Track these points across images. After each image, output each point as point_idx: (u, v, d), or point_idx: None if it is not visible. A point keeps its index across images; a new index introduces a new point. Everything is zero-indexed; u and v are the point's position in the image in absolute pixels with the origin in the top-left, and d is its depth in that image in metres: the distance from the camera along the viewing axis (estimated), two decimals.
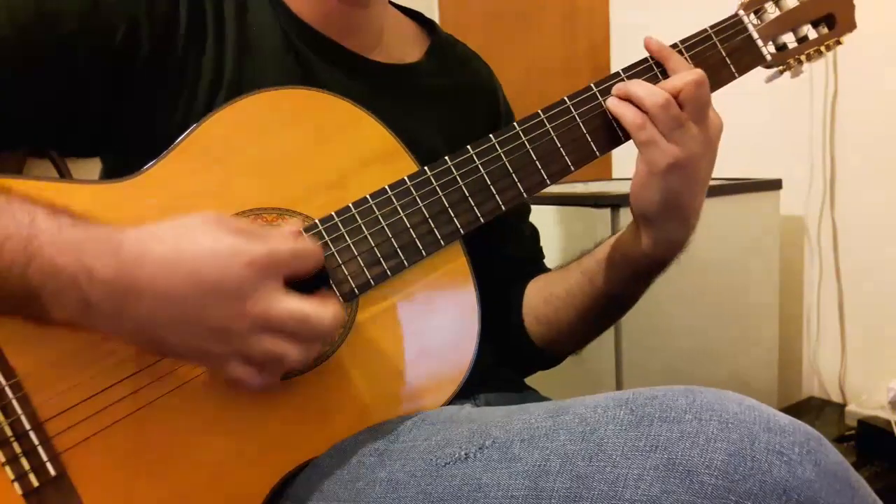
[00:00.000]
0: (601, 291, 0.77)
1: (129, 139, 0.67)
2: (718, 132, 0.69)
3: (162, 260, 0.53)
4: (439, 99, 0.82)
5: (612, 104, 0.69)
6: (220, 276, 0.53)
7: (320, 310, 0.55)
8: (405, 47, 0.83)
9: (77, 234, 0.54)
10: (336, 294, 0.61)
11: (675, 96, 0.66)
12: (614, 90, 0.69)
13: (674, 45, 0.72)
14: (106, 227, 0.55)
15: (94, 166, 0.75)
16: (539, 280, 0.86)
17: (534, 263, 0.91)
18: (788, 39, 0.76)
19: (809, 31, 0.76)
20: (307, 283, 0.65)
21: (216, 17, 0.69)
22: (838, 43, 0.76)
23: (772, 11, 0.75)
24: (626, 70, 0.71)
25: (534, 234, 0.93)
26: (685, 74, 0.67)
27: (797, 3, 0.75)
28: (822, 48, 0.76)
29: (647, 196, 0.68)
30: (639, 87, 0.67)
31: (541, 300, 0.83)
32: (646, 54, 0.72)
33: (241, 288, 0.53)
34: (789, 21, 0.75)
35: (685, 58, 0.71)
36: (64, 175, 0.73)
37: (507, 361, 0.89)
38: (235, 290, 0.53)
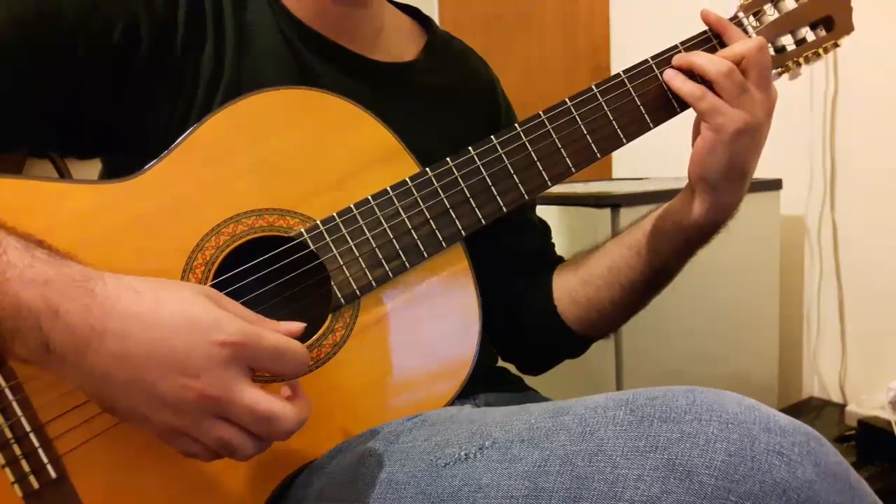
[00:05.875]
0: (649, 264, 0.78)
1: (128, 139, 0.67)
2: (775, 100, 0.71)
3: (133, 316, 0.50)
4: (438, 97, 0.82)
5: (670, 76, 0.70)
6: (187, 347, 0.50)
7: (288, 410, 0.52)
8: (402, 45, 0.83)
9: (48, 270, 0.51)
10: (302, 395, 0.55)
11: (738, 63, 0.68)
12: (675, 60, 0.71)
13: (673, 47, 0.72)
14: (82, 267, 0.53)
15: (94, 166, 0.75)
16: (568, 265, 0.86)
17: (551, 254, 0.91)
18: (787, 41, 0.76)
19: (808, 34, 0.77)
20: (308, 284, 0.65)
21: (215, 17, 0.69)
22: (836, 45, 0.77)
23: (770, 13, 0.75)
24: (683, 43, 0.73)
25: (545, 226, 0.93)
26: (746, 41, 0.70)
27: (796, 6, 0.76)
28: (820, 50, 0.77)
29: (714, 161, 0.69)
30: (700, 57, 0.69)
31: (577, 282, 0.83)
32: (645, 55, 0.72)
33: (203, 365, 0.50)
34: (788, 23, 0.76)
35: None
36: (64, 175, 0.73)
37: (527, 354, 0.89)
38: (197, 365, 0.49)
